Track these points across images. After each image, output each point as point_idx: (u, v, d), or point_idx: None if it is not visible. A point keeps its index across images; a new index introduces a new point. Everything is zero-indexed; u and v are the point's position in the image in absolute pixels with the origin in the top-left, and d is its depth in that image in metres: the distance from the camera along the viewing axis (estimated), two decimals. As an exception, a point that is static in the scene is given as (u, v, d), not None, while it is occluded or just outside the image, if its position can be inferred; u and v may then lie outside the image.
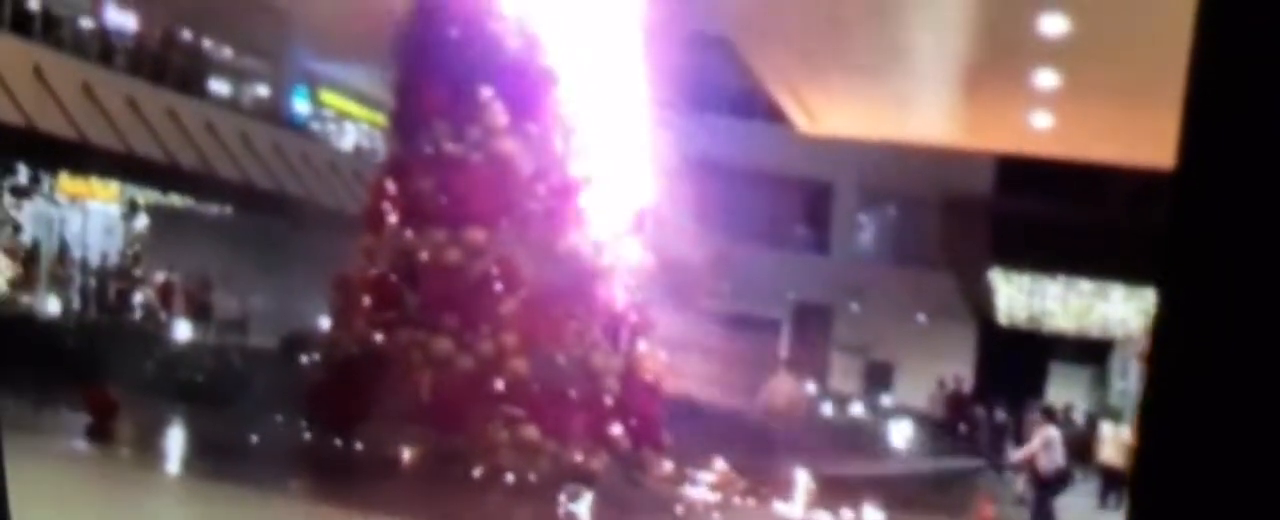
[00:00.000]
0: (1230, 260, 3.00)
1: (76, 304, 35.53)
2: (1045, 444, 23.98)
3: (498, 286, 21.76)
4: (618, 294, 22.90)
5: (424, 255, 22.05)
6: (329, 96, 50.49)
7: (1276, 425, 2.94)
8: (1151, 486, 3.14)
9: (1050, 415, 26.14)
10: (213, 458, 19.54)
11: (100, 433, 19.76)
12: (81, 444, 19.42)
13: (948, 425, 38.60)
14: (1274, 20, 3.01)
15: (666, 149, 23.73)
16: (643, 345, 23.31)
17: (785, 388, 30.96)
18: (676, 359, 26.10)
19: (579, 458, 21.06)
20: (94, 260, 40.49)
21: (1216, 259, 3.03)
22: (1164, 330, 3.19)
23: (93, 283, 38.78)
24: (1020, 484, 28.27)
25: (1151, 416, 3.19)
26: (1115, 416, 37.64)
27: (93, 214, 43.34)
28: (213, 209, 43.29)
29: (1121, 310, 49.18)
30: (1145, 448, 3.20)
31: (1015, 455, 27.52)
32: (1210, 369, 3.01)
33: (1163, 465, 3.09)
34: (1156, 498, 3.12)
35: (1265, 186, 2.97)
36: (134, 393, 21.22)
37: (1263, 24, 3.01)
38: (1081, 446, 34.37)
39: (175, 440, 21.54)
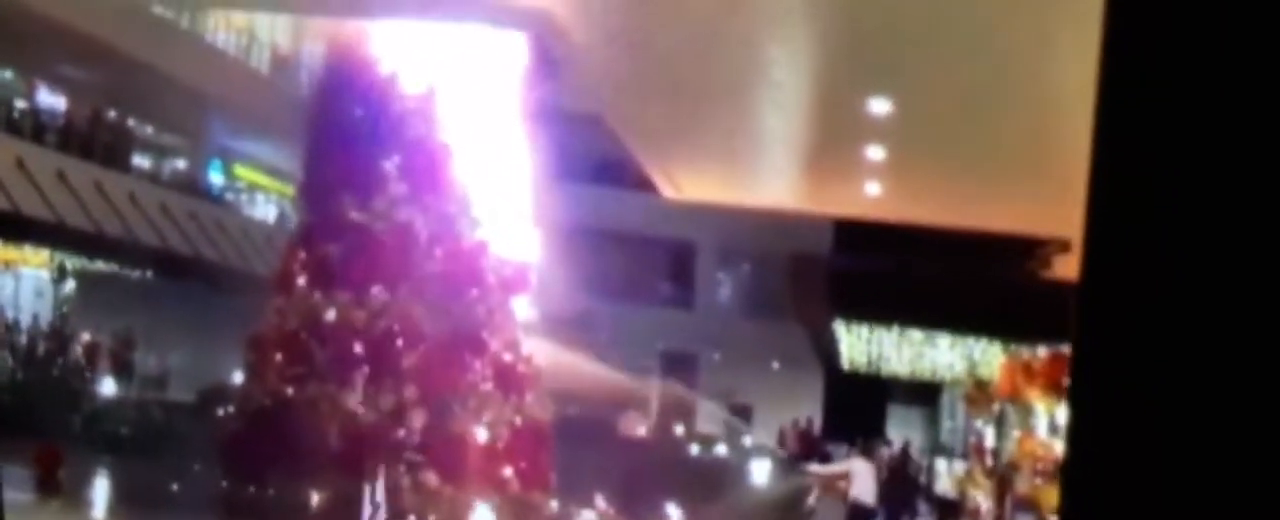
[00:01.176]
0: (1139, 313, 2.76)
1: (9, 363, 34.53)
2: (851, 474, 23.21)
3: (399, 343, 21.37)
4: (508, 348, 22.56)
5: (331, 315, 21.57)
6: (242, 170, 49.89)
7: (1191, 470, 2.73)
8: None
9: (865, 450, 25.16)
10: (137, 506, 18.86)
11: (44, 485, 18.94)
12: (18, 495, 18.54)
13: (799, 459, 38.22)
14: (1177, 73, 2.76)
15: (549, 216, 23.52)
16: (530, 394, 22.91)
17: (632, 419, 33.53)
18: (560, 404, 25.72)
19: (474, 500, 20.61)
20: (25, 322, 39.62)
21: (1127, 314, 2.77)
22: (1080, 387, 2.90)
23: (24, 343, 37.89)
24: (811, 499, 27.68)
25: (1074, 468, 2.91)
26: (946, 453, 37.52)
27: (24, 279, 42.47)
28: (135, 273, 42.54)
29: (948, 356, 49.56)
30: (1069, 499, 2.96)
31: (814, 467, 26.73)
32: (1127, 419, 2.77)
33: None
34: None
35: (1172, 238, 2.75)
36: (63, 446, 20.41)
37: (1166, 74, 2.77)
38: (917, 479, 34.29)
39: (102, 490, 20.82)
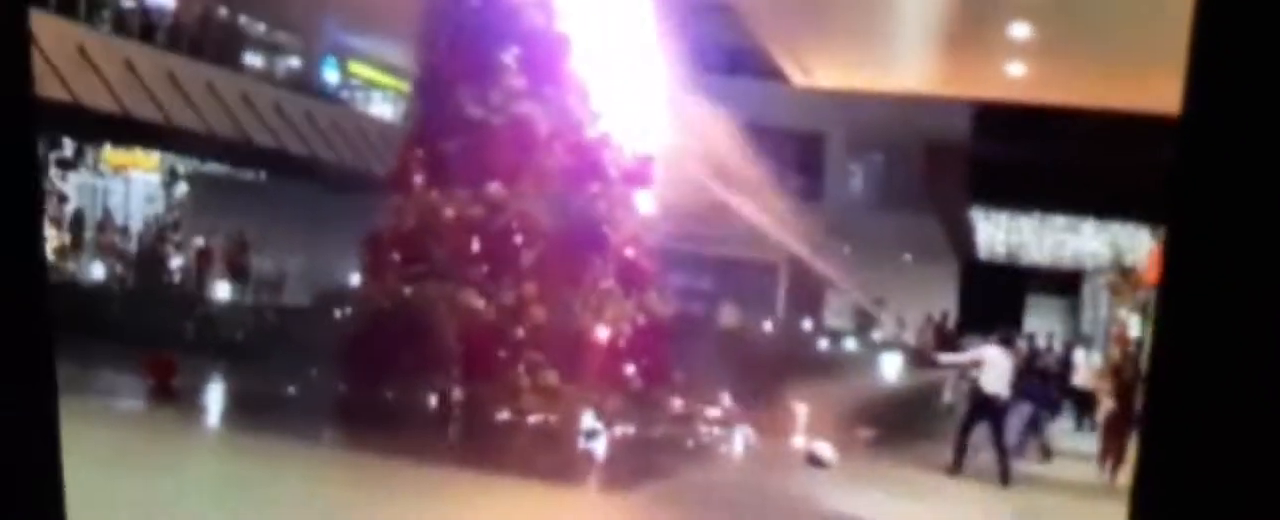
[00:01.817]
0: (1236, 201, 2.75)
1: (120, 269, 34.99)
2: (977, 361, 22.20)
3: (518, 239, 21.36)
4: (629, 243, 22.51)
5: (449, 212, 21.57)
6: (357, 67, 50.09)
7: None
8: (1163, 421, 2.91)
9: (1004, 339, 23.92)
10: (253, 411, 19.02)
11: (158, 393, 19.10)
12: (132, 404, 18.79)
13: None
14: None
15: (673, 107, 23.26)
16: (652, 290, 22.87)
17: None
18: (684, 301, 25.62)
19: (595, 399, 20.59)
20: (137, 227, 40.03)
21: (1223, 201, 2.77)
22: (1172, 268, 2.91)
23: (135, 249, 38.28)
24: (948, 393, 27.11)
25: (1161, 359, 2.94)
26: (1087, 344, 37.06)
27: (135, 183, 43.02)
28: (249, 175, 42.90)
29: (1092, 244, 48.90)
30: (1156, 387, 2.95)
31: (944, 357, 25.93)
32: (1216, 312, 2.76)
33: (1173, 400, 2.87)
34: (1166, 433, 2.88)
35: (1269, 130, 2.72)
36: (177, 353, 20.61)
37: None
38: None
39: (216, 397, 21.02)
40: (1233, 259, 2.73)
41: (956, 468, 20.82)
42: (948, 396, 25.02)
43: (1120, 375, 24.63)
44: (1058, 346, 40.48)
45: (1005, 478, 20.57)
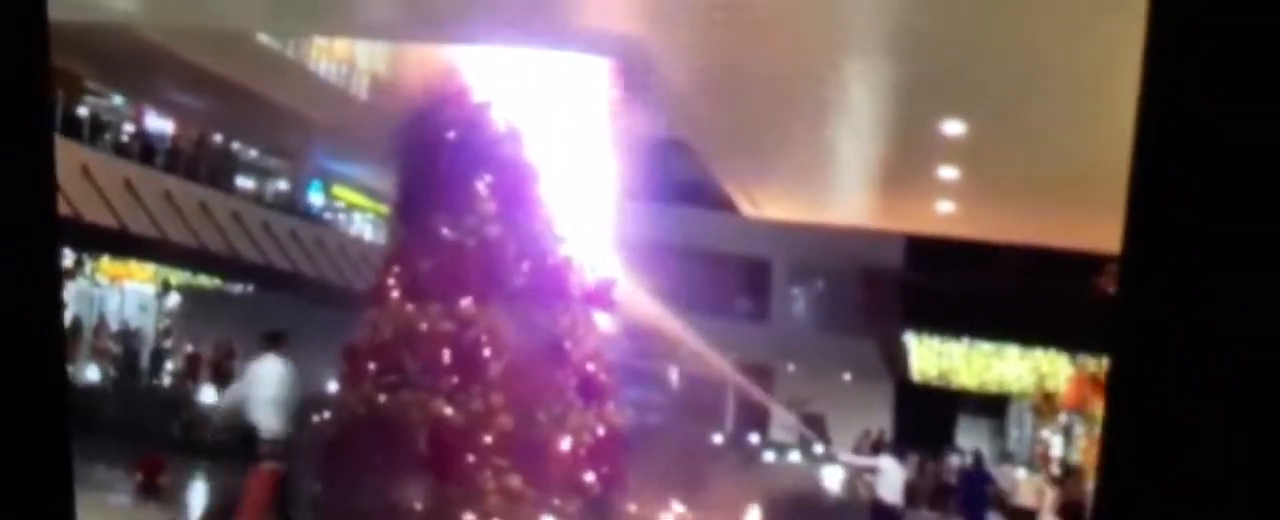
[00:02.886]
0: (1176, 331, 2.69)
1: (113, 373, 34.80)
2: (873, 469, 22.52)
3: (487, 353, 21.26)
4: (590, 358, 22.52)
5: (423, 326, 21.52)
6: (340, 191, 50.25)
7: (1225, 488, 2.66)
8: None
9: (898, 451, 24.12)
10: (234, 509, 18.98)
11: (146, 490, 19.07)
12: (121, 499, 18.73)
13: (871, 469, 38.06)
14: (1214, 99, 2.73)
15: (633, 234, 23.45)
16: (610, 403, 22.87)
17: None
18: (639, 413, 25.69)
19: (556, 502, 20.57)
20: (129, 335, 39.91)
21: (1163, 330, 2.71)
22: (1116, 400, 2.84)
23: (128, 354, 38.11)
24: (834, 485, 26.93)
25: (1108, 484, 2.85)
26: (1016, 462, 37.22)
27: (129, 293, 42.88)
28: (237, 288, 42.87)
29: (1017, 368, 49.23)
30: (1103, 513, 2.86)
31: (845, 457, 26.15)
32: (1161, 434, 2.71)
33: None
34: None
35: (1208, 259, 2.69)
36: (164, 452, 20.59)
37: (1204, 101, 2.74)
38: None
39: (200, 494, 20.95)
40: (1174, 391, 2.71)
41: None
42: (836, 489, 25.20)
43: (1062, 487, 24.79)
44: (983, 464, 40.58)
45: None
